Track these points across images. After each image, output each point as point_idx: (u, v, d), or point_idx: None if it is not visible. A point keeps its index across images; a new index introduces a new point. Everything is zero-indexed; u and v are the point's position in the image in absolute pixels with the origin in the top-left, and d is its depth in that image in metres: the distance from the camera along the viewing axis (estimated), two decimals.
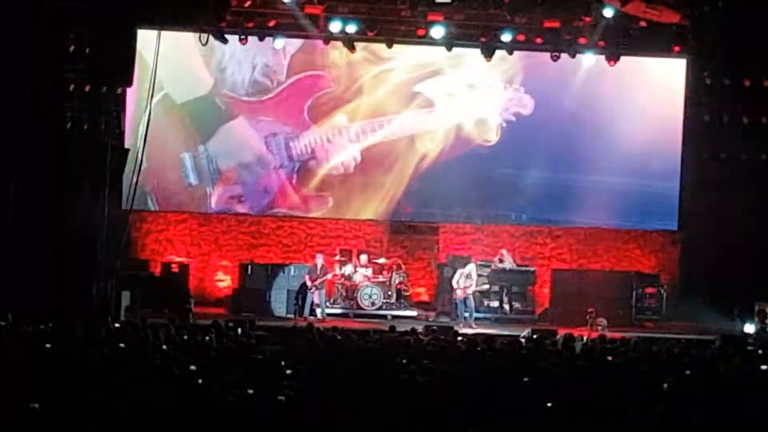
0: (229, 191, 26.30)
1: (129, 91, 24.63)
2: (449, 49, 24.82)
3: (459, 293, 24.33)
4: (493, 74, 26.30)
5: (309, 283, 24.35)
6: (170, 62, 24.24)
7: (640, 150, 26.36)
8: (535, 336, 20.11)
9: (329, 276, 24.95)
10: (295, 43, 25.77)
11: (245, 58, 25.95)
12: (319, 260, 24.80)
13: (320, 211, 26.62)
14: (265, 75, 26.17)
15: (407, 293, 26.11)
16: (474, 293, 24.56)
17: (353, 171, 26.45)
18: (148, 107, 23.07)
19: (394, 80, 26.36)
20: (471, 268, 24.59)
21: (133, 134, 24.88)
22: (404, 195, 26.52)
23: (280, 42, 25.00)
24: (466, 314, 24.31)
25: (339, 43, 25.04)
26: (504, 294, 25.85)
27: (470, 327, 23.58)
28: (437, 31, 24.06)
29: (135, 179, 22.76)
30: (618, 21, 23.73)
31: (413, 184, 26.50)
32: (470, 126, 26.51)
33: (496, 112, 26.49)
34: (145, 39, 23.08)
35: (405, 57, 26.16)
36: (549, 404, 12.03)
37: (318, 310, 24.42)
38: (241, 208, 26.48)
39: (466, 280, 24.35)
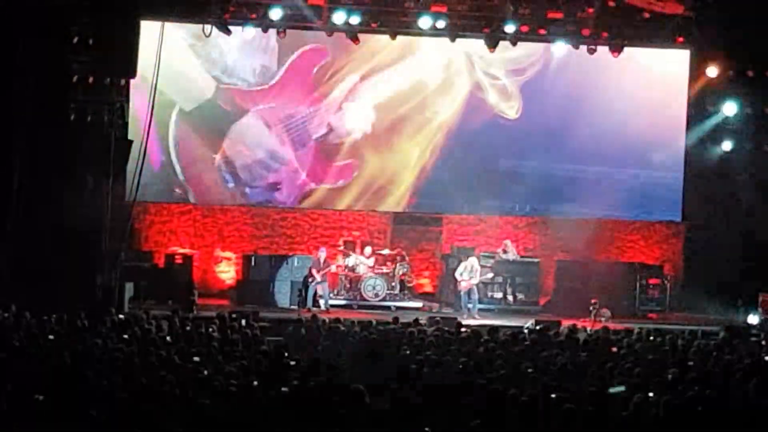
0: (262, 182, 26.34)
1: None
2: (453, 39, 24.80)
3: (463, 285, 24.32)
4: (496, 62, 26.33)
5: (317, 276, 24.36)
6: (171, 73, 24.23)
7: (643, 141, 26.34)
8: (538, 327, 20.14)
9: (333, 268, 24.95)
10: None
11: (246, 48, 25.82)
12: (322, 253, 24.82)
13: (348, 180, 26.28)
14: (264, 61, 26.05)
15: (411, 284, 26.10)
16: (477, 284, 24.55)
17: (371, 131, 26.27)
18: (152, 98, 23.12)
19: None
20: (473, 260, 24.57)
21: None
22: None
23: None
24: (470, 305, 24.30)
25: None
26: (508, 285, 25.83)
27: (474, 318, 23.59)
28: (441, 23, 24.12)
29: (139, 170, 22.80)
30: (622, 12, 23.72)
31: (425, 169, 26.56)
32: (492, 94, 26.50)
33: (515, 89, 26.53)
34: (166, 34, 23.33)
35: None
36: (553, 395, 12.05)
37: (321, 301, 24.42)
38: (279, 196, 26.37)
39: (470, 273, 24.34)
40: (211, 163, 25.84)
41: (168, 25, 23.79)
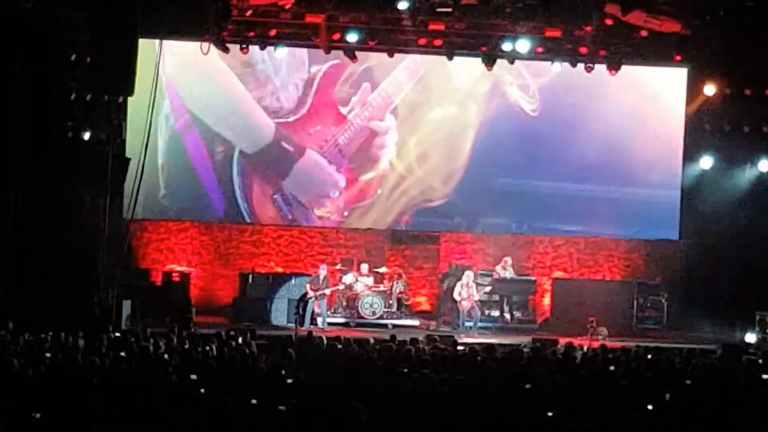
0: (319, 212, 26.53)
1: None
2: (450, 58, 24.84)
3: (465, 304, 24.32)
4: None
5: (311, 292, 24.29)
6: (231, 117, 25.10)
7: (641, 159, 26.37)
8: (536, 345, 20.10)
9: (329, 291, 24.84)
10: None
11: (289, 78, 25.98)
12: (323, 271, 24.75)
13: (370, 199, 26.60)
14: (301, 87, 26.15)
15: (408, 302, 26.06)
16: (477, 302, 24.53)
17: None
18: (150, 118, 23.15)
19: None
20: (468, 275, 24.59)
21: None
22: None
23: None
24: (470, 323, 24.29)
25: None
26: (505, 303, 25.83)
27: (472, 336, 23.53)
28: (438, 41, 24.18)
29: (136, 188, 22.79)
30: (619, 30, 23.76)
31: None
32: (514, 88, 26.49)
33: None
34: (171, 53, 23.96)
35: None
36: (550, 414, 12.03)
37: (319, 320, 24.37)
38: (334, 220, 26.64)
39: (467, 289, 24.33)
40: (272, 200, 26.21)
41: (218, 60, 24.56)
